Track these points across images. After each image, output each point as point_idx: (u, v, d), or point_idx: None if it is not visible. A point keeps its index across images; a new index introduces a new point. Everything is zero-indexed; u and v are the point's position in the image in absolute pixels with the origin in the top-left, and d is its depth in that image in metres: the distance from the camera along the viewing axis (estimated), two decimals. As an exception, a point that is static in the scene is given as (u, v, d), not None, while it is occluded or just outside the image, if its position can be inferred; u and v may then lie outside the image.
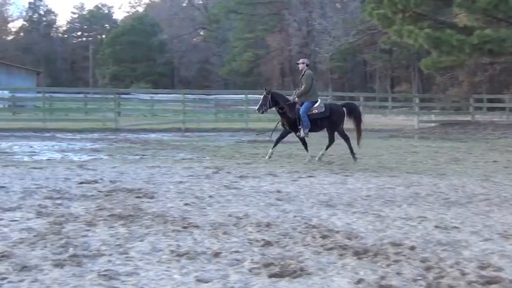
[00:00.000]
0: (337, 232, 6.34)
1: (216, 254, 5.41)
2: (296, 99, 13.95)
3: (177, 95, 34.21)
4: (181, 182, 9.88)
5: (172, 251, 5.48)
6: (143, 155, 14.64)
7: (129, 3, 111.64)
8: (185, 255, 5.35)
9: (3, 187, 9.04)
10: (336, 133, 14.11)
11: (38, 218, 6.85)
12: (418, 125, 29.60)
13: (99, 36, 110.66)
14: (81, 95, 39.13)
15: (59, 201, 7.91)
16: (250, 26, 71.66)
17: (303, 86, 13.98)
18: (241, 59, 69.65)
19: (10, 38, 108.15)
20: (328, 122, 14.04)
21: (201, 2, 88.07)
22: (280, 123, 14.43)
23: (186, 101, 29.99)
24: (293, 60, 64.97)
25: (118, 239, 5.91)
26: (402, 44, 34.92)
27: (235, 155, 14.85)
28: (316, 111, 13.85)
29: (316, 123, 13.91)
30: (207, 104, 34.12)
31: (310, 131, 13.97)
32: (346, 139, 14.08)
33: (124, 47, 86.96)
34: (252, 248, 5.68)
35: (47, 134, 22.12)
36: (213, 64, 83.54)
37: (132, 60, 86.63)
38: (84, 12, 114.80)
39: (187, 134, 24.20)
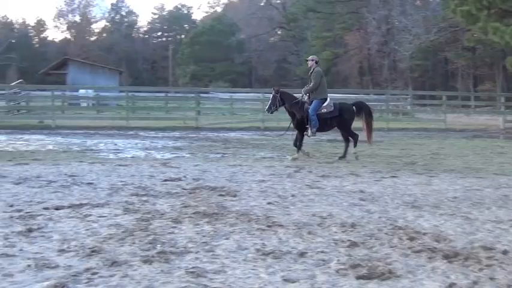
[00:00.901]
0: (425, 234, 6.18)
1: (302, 254, 5.37)
2: (305, 97, 13.94)
3: (256, 93, 34.33)
4: (263, 181, 9.89)
5: (257, 250, 5.48)
6: (224, 154, 14.76)
7: (208, 3, 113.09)
8: (271, 254, 5.33)
9: (91, 183, 9.30)
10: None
11: (126, 214, 6.99)
12: (504, 125, 28.65)
13: (178, 36, 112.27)
14: (162, 94, 39.85)
15: (144, 198, 8.05)
16: (329, 24, 71.11)
17: (311, 83, 13.89)
18: (319, 58, 69.32)
19: (93, 38, 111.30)
20: (338, 121, 13.94)
21: (279, 1, 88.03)
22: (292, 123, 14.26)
23: (265, 100, 30.03)
24: (372, 59, 64.17)
25: (204, 236, 5.96)
26: (487, 41, 33.87)
27: (315, 154, 14.76)
28: (325, 110, 13.75)
29: (326, 122, 13.80)
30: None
31: (319, 130, 13.89)
32: (347, 140, 14.02)
33: (203, 46, 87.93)
34: (338, 248, 5.61)
35: (130, 132, 22.64)
36: (290, 63, 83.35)
37: (211, 60, 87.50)
38: (164, 13, 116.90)
39: (266, 132, 24.23)
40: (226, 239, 5.89)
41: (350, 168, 11.79)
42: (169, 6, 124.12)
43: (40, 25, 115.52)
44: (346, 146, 13.95)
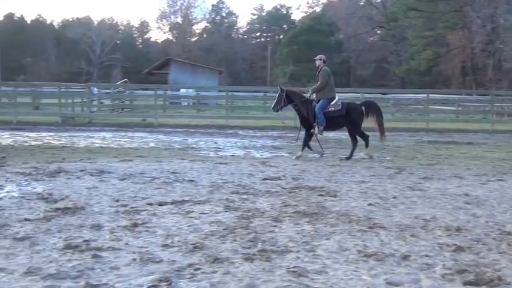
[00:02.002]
0: (536, 241, 5.89)
1: (405, 257, 5.24)
2: (313, 96, 13.90)
3: (355, 94, 33.94)
4: (363, 182, 9.74)
5: (359, 251, 5.39)
6: (323, 153, 14.64)
7: (307, 3, 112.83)
8: (373, 256, 5.23)
9: (193, 181, 9.46)
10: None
11: (226, 211, 7.06)
12: None
13: (277, 37, 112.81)
14: (261, 94, 40.07)
15: (244, 196, 8.11)
16: (430, 23, 69.33)
17: (318, 82, 13.85)
18: (419, 58, 67.66)
19: (194, 39, 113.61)
20: (346, 120, 13.85)
21: (379, 0, 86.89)
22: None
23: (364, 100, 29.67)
24: (476, 58, 62.07)
25: (304, 236, 5.92)
26: None
27: (416, 156, 14.40)
28: (333, 108, 13.71)
29: (333, 121, 13.75)
30: (385, 103, 33.51)
31: (326, 129, 13.88)
32: (354, 140, 13.90)
33: (301, 46, 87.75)
34: (443, 252, 5.44)
35: (230, 131, 22.89)
36: (390, 63, 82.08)
37: (309, 60, 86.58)
38: (263, 14, 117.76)
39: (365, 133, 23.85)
40: (327, 239, 5.83)
41: (453, 171, 11.41)
42: (268, 7, 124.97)
43: (144, 26, 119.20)
44: (354, 147, 13.88)
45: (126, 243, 5.50)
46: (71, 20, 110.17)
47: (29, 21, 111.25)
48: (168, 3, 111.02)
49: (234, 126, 24.69)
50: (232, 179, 9.71)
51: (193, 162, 12.09)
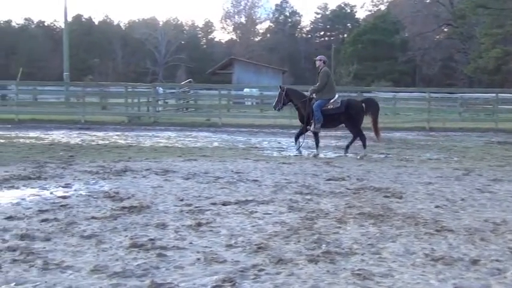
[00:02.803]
0: None
1: (475, 262, 5.08)
2: (313, 95, 14.07)
3: (421, 93, 33.37)
4: (429, 183, 9.53)
5: (426, 255, 5.26)
6: (388, 154, 14.45)
7: (372, 1, 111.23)
8: (441, 260, 5.09)
9: (256, 180, 9.45)
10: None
11: (290, 212, 7.02)
12: None
13: (341, 36, 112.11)
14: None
15: (308, 197, 8.05)
16: (499, 21, 67.41)
17: (318, 83, 14.00)
18: (488, 56, 65.97)
19: (257, 39, 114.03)
20: (345, 117, 13.98)
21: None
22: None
23: (431, 100, 29.13)
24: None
25: (369, 238, 5.82)
26: None
27: (485, 157, 14.02)
28: (332, 106, 13.86)
29: (332, 118, 13.93)
30: (453, 102, 32.80)
31: (325, 126, 14.20)
32: (355, 136, 14.15)
33: (365, 45, 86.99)
34: (515, 257, 5.25)
35: (293, 131, 22.80)
36: (457, 61, 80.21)
37: (373, 59, 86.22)
38: (327, 12, 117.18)
39: (431, 133, 23.42)
40: (393, 242, 5.71)
41: (525, 172, 11.05)
42: (332, 6, 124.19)
43: (208, 27, 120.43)
44: (352, 141, 14.28)
45: (191, 243, 5.53)
46: (137, 20, 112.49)
47: (96, 23, 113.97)
48: (232, 3, 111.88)
49: (298, 126, 24.51)
50: (295, 179, 9.66)
51: (256, 162, 12.11)
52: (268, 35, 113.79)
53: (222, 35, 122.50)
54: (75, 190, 8.34)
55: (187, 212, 6.87)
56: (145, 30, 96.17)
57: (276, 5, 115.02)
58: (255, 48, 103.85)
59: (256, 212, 6.98)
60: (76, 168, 10.65)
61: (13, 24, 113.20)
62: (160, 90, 32.10)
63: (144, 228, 6.09)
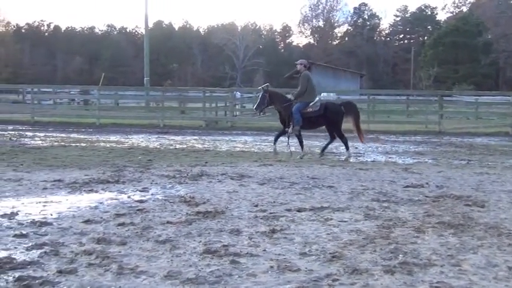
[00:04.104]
0: None
1: None
2: (293, 99, 14.26)
3: (505, 97, 32.30)
4: (513, 191, 9.15)
5: (510, 268, 5.02)
6: (469, 160, 14.01)
7: (453, 3, 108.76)
8: (525, 274, 4.84)
9: (332, 187, 9.32)
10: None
11: (366, 220, 6.86)
12: None
13: (421, 38, 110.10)
14: (403, 97, 39.20)
15: (385, 204, 7.86)
16: None
17: (299, 87, 14.25)
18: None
19: (335, 42, 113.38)
20: (324, 120, 14.24)
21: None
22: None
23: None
24: None
25: (449, 249, 5.60)
26: None
27: None
28: (311, 109, 14.06)
29: (310, 121, 14.13)
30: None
31: (304, 128, 14.40)
32: (332, 138, 14.41)
33: (446, 48, 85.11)
34: None
35: (371, 136, 22.51)
36: (544, 64, 77.64)
37: (455, 62, 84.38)
38: (407, 15, 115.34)
39: (516, 138, 22.62)
40: (474, 253, 5.48)
41: None
42: (412, 8, 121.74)
43: (286, 31, 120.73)
44: (328, 143, 14.53)
45: (264, 250, 5.47)
46: (216, 26, 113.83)
47: (176, 28, 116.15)
48: (310, 7, 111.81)
49: (375, 131, 24.29)
50: (372, 186, 9.47)
51: (333, 167, 11.97)
52: (347, 39, 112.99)
53: (300, 39, 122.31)
54: (152, 194, 8.44)
55: (261, 218, 6.82)
56: (224, 35, 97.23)
57: (355, 8, 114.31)
58: (333, 52, 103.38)
59: (331, 219, 6.86)
60: (154, 172, 10.80)
61: (96, 31, 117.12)
62: (238, 94, 32.34)
63: (218, 234, 6.07)
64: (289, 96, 14.80)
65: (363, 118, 27.99)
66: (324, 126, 14.92)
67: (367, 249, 5.54)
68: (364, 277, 4.71)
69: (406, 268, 4.94)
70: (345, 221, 6.76)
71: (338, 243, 5.76)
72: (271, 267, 4.93)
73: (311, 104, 14.14)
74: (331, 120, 14.22)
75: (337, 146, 17.61)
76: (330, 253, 5.36)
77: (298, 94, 14.24)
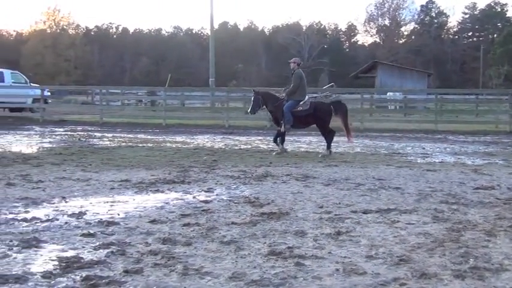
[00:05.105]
0: None
1: None
2: (284, 96, 14.59)
3: None
4: None
5: None
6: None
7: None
8: None
9: (399, 188, 9.15)
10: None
11: (435, 222, 6.69)
12: None
13: (490, 36, 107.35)
14: (472, 97, 38.31)
15: (454, 207, 7.65)
16: None
17: (291, 85, 14.50)
18: None
19: (402, 41, 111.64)
20: (314, 118, 14.46)
21: None
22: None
23: None
24: None
25: (522, 253, 5.40)
26: None
27: None
28: (301, 108, 14.33)
29: (301, 119, 14.40)
30: None
31: (295, 127, 14.87)
32: (330, 135, 14.43)
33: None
34: None
35: (438, 136, 22.08)
36: None
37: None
38: (475, 12, 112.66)
39: None
40: (548, 259, 5.26)
41: None
42: (481, 5, 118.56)
43: (351, 30, 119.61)
44: (329, 140, 14.42)
45: (329, 252, 5.39)
46: (280, 26, 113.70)
47: (241, 29, 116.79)
48: (376, 5, 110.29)
49: (444, 131, 23.80)
50: (441, 188, 9.24)
51: (399, 168, 11.76)
52: (413, 37, 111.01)
53: (365, 38, 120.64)
54: (216, 195, 8.46)
55: (326, 220, 6.74)
56: (289, 35, 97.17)
57: (422, 6, 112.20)
58: (399, 51, 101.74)
59: (398, 221, 6.72)
60: (218, 172, 10.85)
61: (163, 32, 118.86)
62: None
63: (282, 235, 6.03)
64: (281, 95, 15.08)
65: (430, 118, 27.56)
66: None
67: (436, 253, 5.39)
68: (433, 282, 4.58)
69: (477, 273, 4.78)
70: (413, 224, 6.61)
71: (405, 246, 5.63)
72: (337, 270, 4.85)
73: (301, 102, 14.44)
74: (320, 118, 14.45)
75: (403, 146, 17.32)
76: (397, 256, 5.24)
77: (290, 92, 14.52)
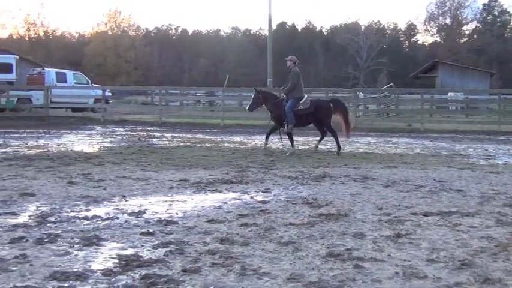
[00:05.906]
0: None
1: None
2: (283, 96, 14.96)
3: None
4: None
5: None
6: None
7: None
8: None
9: (460, 190, 8.95)
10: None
11: (498, 226, 6.51)
12: None
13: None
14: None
15: (519, 210, 7.42)
16: None
17: (289, 84, 14.74)
18: None
19: (463, 40, 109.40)
20: (314, 117, 14.84)
21: None
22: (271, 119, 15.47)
23: None
24: None
25: None
26: None
27: None
28: (302, 107, 14.64)
29: (302, 118, 14.71)
30: None
31: (296, 126, 14.96)
32: (333, 133, 14.85)
33: None
34: None
35: (502, 137, 21.54)
36: None
37: None
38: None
39: None
40: None
41: None
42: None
43: (411, 29, 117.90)
44: (336, 138, 14.80)
45: (389, 255, 5.30)
46: (339, 26, 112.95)
47: (299, 29, 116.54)
48: (436, 4, 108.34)
49: (507, 132, 23.19)
50: (504, 190, 8.99)
51: (461, 170, 11.50)
52: (475, 36, 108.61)
53: (426, 37, 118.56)
54: (274, 195, 8.44)
55: (386, 222, 6.63)
56: (347, 35, 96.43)
57: (484, 5, 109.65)
58: (461, 50, 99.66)
59: (460, 224, 6.56)
60: (276, 173, 10.83)
61: (221, 33, 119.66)
62: (361, 95, 31.93)
63: (341, 237, 5.96)
64: (280, 94, 15.51)
65: (493, 119, 26.91)
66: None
67: (500, 258, 5.24)
68: (496, 287, 4.45)
69: (544, 279, 4.62)
70: (475, 227, 6.44)
71: (468, 250, 5.49)
72: (397, 273, 4.76)
73: (301, 101, 14.71)
74: (320, 116, 14.83)
75: (465, 148, 16.95)
76: (459, 260, 5.10)
77: (288, 90, 14.79)
